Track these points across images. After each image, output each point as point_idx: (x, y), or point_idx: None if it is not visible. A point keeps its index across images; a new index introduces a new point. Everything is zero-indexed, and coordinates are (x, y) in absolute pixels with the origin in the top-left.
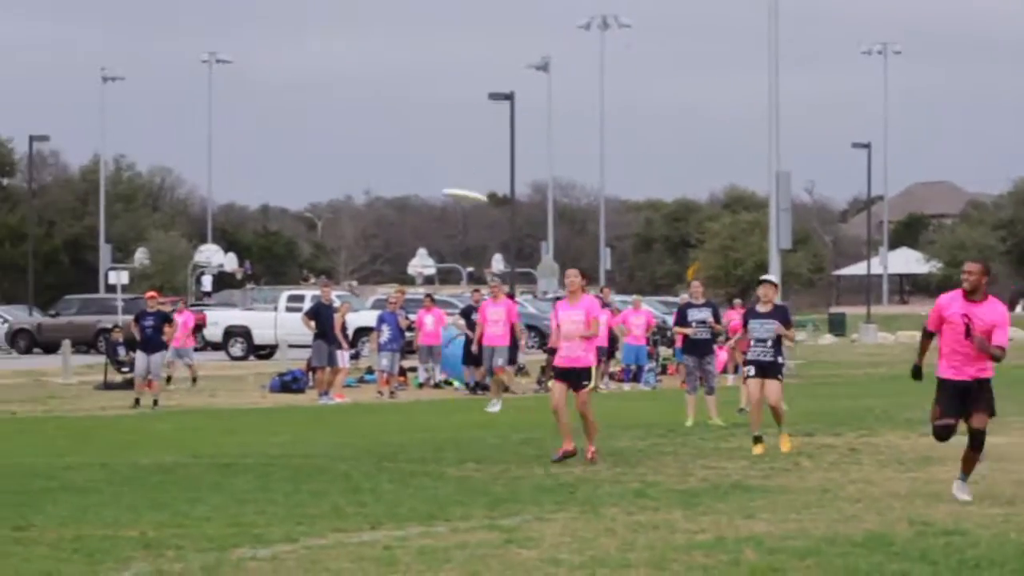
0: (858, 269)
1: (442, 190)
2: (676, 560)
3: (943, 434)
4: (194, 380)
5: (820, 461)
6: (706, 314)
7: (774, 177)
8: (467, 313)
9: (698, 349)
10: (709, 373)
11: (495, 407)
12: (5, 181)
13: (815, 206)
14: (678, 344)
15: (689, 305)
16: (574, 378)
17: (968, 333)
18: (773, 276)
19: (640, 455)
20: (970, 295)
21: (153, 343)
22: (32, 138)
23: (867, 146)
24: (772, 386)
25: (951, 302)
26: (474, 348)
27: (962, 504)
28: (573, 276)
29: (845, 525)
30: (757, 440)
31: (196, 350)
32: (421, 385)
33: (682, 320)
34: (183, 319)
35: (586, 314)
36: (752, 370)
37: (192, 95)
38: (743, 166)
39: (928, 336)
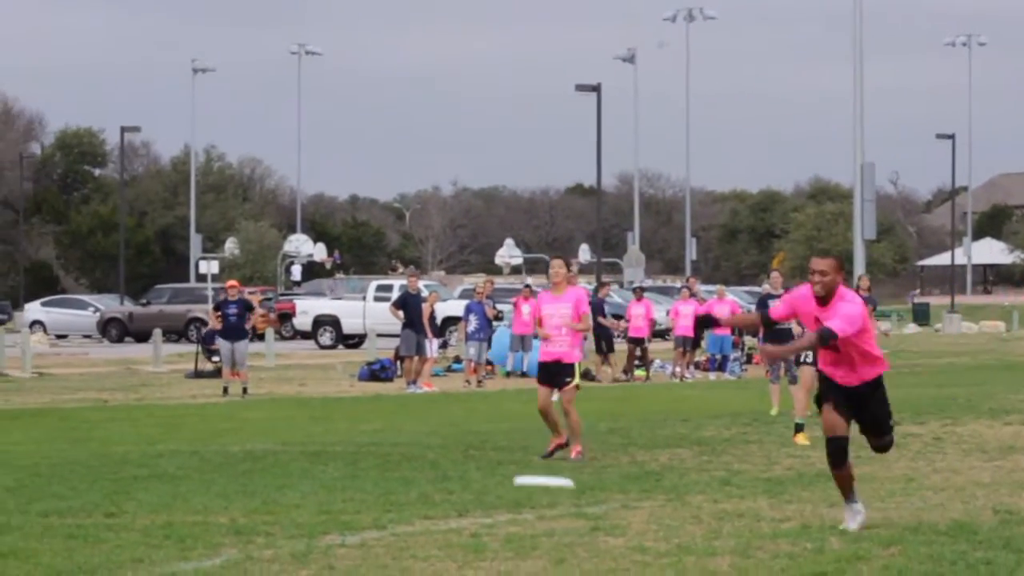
0: (942, 259)
1: (515, 479)
2: (761, 548)
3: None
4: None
5: (905, 450)
6: None
7: (859, 168)
8: None
9: (779, 339)
10: (790, 362)
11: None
12: (97, 172)
13: (899, 197)
14: (761, 333)
15: (769, 296)
16: (557, 374)
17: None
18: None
19: (725, 444)
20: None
21: (236, 330)
22: (123, 129)
23: (951, 137)
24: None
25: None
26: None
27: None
28: (557, 267)
29: (929, 514)
30: (799, 429)
31: (284, 338)
32: (508, 374)
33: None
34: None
35: (574, 308)
36: (810, 356)
37: (282, 86)
38: (828, 157)
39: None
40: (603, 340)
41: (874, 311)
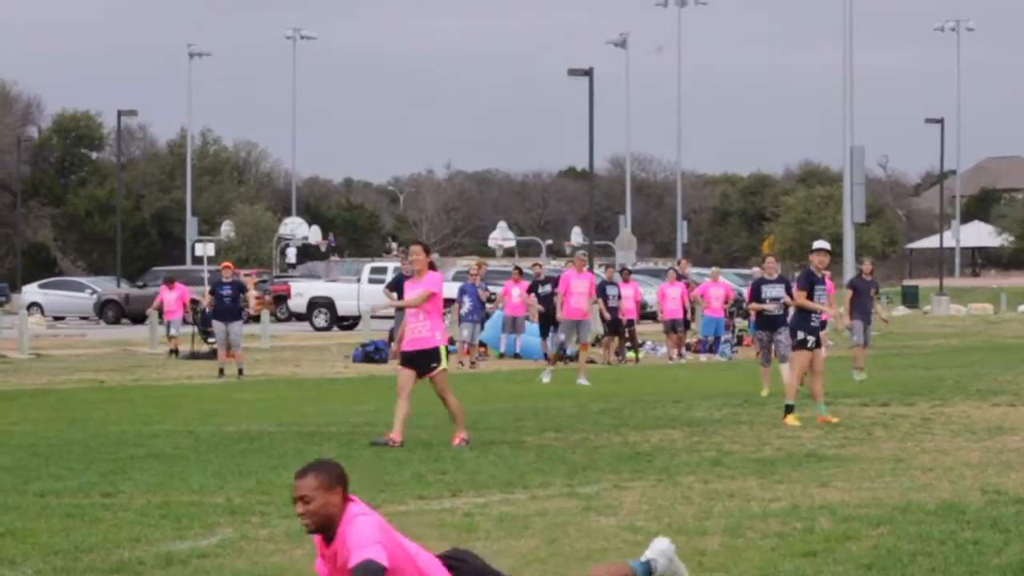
0: (931, 242)
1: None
2: (751, 528)
3: None
4: (174, 352)
5: (894, 431)
6: (779, 290)
7: (848, 152)
8: (533, 288)
9: (770, 323)
10: (780, 343)
11: (545, 378)
12: (94, 155)
13: (889, 180)
14: (752, 318)
15: (763, 281)
16: (422, 362)
17: None
18: (826, 243)
19: (716, 425)
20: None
21: (231, 312)
22: (120, 113)
23: (940, 121)
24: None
25: None
26: (559, 318)
27: None
28: (416, 253)
29: (918, 494)
30: (790, 410)
31: (279, 320)
32: (501, 355)
33: (756, 295)
34: (178, 293)
35: (423, 289)
36: (811, 340)
37: (277, 70)
38: (818, 141)
39: None
40: (607, 323)
41: (877, 294)
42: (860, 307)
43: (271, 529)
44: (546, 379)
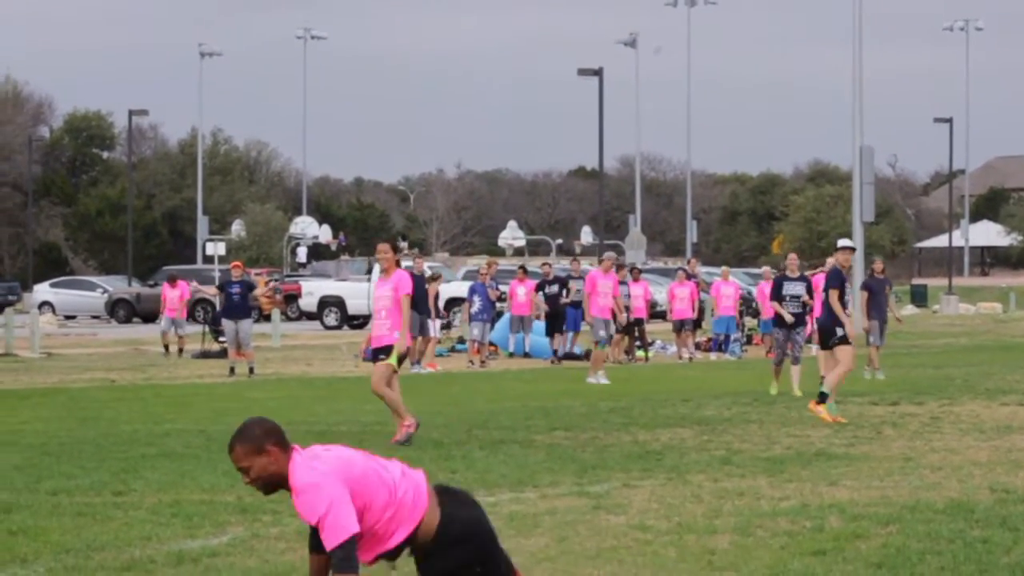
0: (939, 241)
1: None
2: (761, 526)
3: None
4: (180, 351)
5: (903, 429)
6: (800, 288)
7: (858, 151)
8: (540, 287)
9: (788, 324)
10: (797, 344)
11: (601, 380)
12: (105, 154)
13: (898, 180)
14: (765, 315)
15: (785, 278)
16: (380, 356)
17: None
18: (851, 241)
19: (726, 423)
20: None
21: (240, 310)
22: (131, 112)
23: (949, 121)
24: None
25: None
26: (588, 319)
27: None
28: (383, 251)
29: (927, 492)
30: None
31: (290, 319)
32: (511, 355)
33: (778, 292)
34: (179, 291)
35: (393, 291)
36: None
37: (287, 70)
38: (827, 140)
39: None
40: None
41: (891, 291)
42: (876, 307)
43: (282, 528)
44: (603, 381)
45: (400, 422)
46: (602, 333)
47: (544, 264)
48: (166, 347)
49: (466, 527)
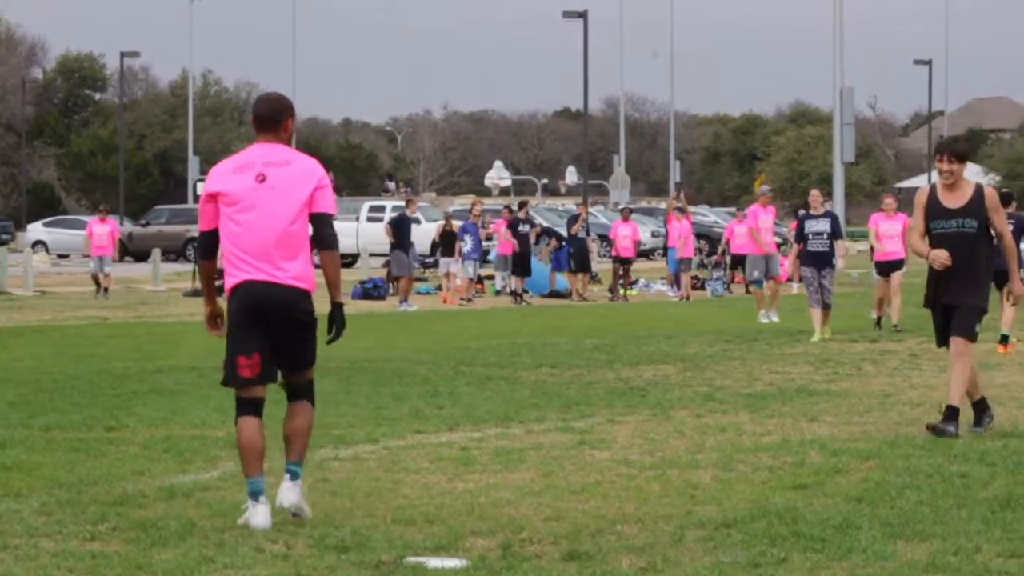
0: (919, 181)
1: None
2: (743, 461)
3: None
4: (106, 290)
5: (882, 366)
6: (824, 225)
7: (838, 92)
8: (513, 225)
9: (816, 261)
10: (825, 288)
11: (772, 317)
12: (97, 96)
13: (877, 121)
14: (792, 255)
15: (808, 216)
16: None
17: None
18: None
19: (708, 360)
20: None
21: None
22: (123, 54)
23: (928, 63)
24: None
25: None
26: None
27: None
28: None
29: (906, 428)
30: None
31: None
32: (498, 292)
33: (801, 231)
34: (109, 227)
35: None
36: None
37: (277, 11)
38: (808, 82)
39: None
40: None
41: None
42: None
43: (271, 462)
44: (774, 318)
45: None
46: (756, 273)
47: (523, 203)
48: (97, 286)
49: None
